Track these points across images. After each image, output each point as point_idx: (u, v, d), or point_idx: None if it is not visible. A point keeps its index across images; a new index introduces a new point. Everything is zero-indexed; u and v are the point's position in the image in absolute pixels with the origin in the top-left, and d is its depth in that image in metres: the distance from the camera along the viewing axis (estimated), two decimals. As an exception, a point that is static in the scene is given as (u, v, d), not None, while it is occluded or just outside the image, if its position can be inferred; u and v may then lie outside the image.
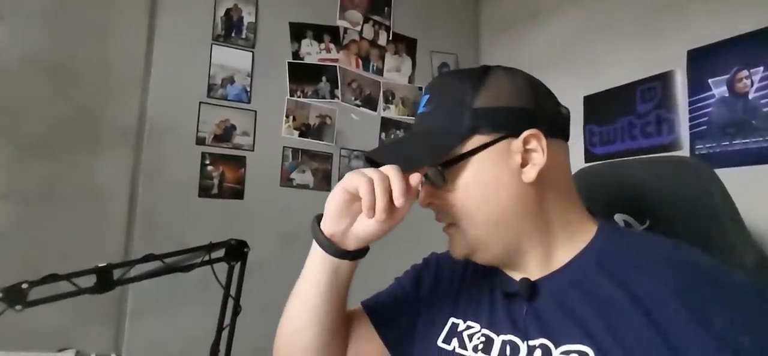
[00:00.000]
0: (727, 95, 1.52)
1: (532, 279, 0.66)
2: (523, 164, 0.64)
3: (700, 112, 1.58)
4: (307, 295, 0.73)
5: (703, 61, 1.58)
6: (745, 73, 1.48)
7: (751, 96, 1.46)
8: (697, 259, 0.60)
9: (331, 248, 0.67)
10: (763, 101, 1.44)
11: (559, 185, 0.67)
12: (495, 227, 0.65)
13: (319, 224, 0.68)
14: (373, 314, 0.82)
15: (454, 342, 0.70)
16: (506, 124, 0.64)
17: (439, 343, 0.71)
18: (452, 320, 0.73)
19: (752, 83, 1.46)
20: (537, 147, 0.64)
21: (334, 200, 0.66)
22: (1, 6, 1.59)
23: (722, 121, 1.52)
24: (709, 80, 1.56)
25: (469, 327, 0.70)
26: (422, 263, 0.87)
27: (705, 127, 1.56)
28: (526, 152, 0.64)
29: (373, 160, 0.70)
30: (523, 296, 0.65)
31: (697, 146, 1.58)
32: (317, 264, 0.70)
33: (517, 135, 0.64)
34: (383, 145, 0.70)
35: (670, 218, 0.79)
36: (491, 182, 0.64)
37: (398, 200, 0.62)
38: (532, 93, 0.66)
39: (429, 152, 0.65)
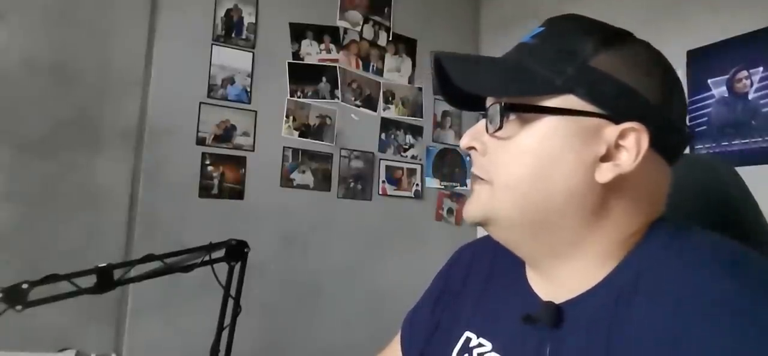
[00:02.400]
0: (726, 95, 1.52)
1: (557, 302, 0.55)
2: (605, 159, 0.51)
3: (700, 112, 1.58)
4: None
5: (703, 62, 1.58)
6: (744, 73, 1.48)
7: (750, 96, 1.47)
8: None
9: None
10: (762, 102, 1.44)
11: (637, 204, 0.53)
12: (531, 212, 0.53)
13: None
14: (405, 341, 0.78)
15: None
16: (612, 102, 0.51)
17: None
18: (467, 334, 0.64)
19: (752, 83, 1.46)
20: (632, 147, 0.50)
21: None
22: (1, 6, 1.59)
23: (722, 121, 1.53)
24: (709, 80, 1.56)
25: (480, 345, 0.61)
26: (446, 271, 0.77)
27: (705, 127, 1.56)
28: (615, 147, 0.51)
29: (440, 67, 0.59)
30: (546, 323, 0.54)
31: (697, 146, 1.58)
32: None
33: (616, 122, 0.51)
34: (453, 55, 0.58)
35: (688, 218, 0.76)
36: (555, 157, 0.51)
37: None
38: (664, 88, 0.53)
39: (505, 82, 0.54)
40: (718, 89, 1.54)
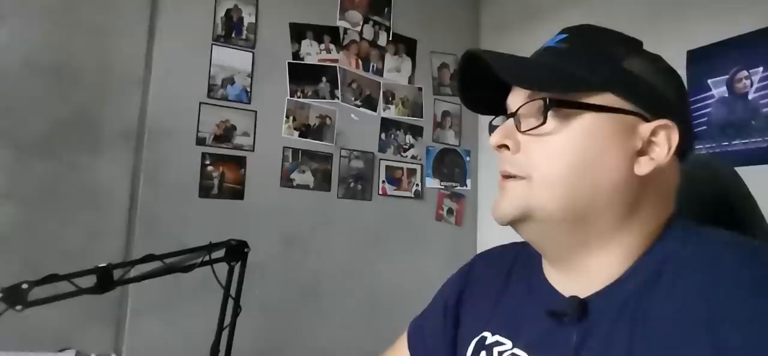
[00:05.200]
0: (726, 95, 1.52)
1: (583, 296, 0.56)
2: (641, 153, 0.55)
3: (700, 112, 1.58)
4: None
5: (703, 62, 1.58)
6: (744, 73, 1.48)
7: (750, 96, 1.47)
8: None
9: None
10: (762, 102, 1.44)
11: (662, 199, 0.57)
12: (574, 206, 0.54)
13: None
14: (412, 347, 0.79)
15: (482, 355, 0.63)
16: (645, 101, 0.55)
17: None
18: (483, 333, 0.65)
19: (752, 84, 1.46)
20: (663, 143, 0.54)
21: None
22: (1, 6, 1.59)
23: (721, 121, 1.53)
24: (709, 81, 1.56)
25: (498, 343, 0.62)
26: (462, 277, 0.77)
27: (704, 127, 1.56)
28: (648, 143, 0.55)
29: (470, 64, 0.60)
30: (573, 317, 0.55)
31: (697, 146, 1.58)
32: None
33: (648, 120, 0.55)
34: (498, 53, 0.59)
35: (688, 218, 0.76)
36: (600, 152, 0.54)
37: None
38: (678, 91, 0.58)
39: (551, 79, 0.55)
40: (718, 89, 1.54)
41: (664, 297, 0.50)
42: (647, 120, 0.55)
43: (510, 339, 0.61)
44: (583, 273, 0.57)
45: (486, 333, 0.64)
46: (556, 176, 0.54)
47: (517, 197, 0.56)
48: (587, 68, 0.55)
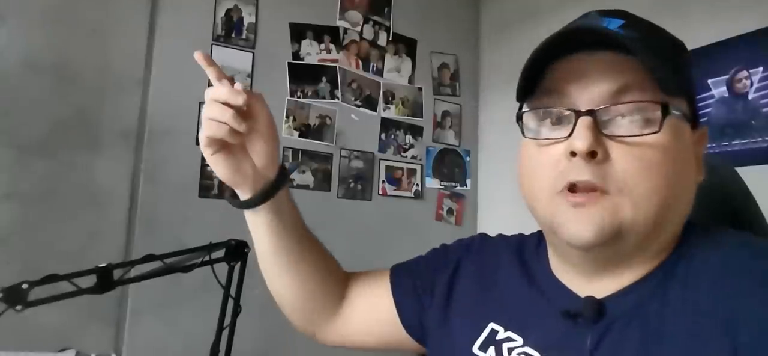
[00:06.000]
0: (726, 95, 1.52)
1: (599, 297, 0.52)
2: (696, 159, 0.53)
3: (700, 112, 1.58)
4: (261, 254, 0.73)
5: (703, 62, 1.58)
6: (744, 73, 1.48)
7: (750, 96, 1.47)
8: None
9: (239, 203, 0.66)
10: (762, 102, 1.44)
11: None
12: (658, 224, 0.49)
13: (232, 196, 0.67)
14: (395, 273, 0.78)
15: (491, 350, 0.59)
16: (694, 108, 0.54)
17: (475, 350, 0.60)
18: (492, 325, 0.61)
19: (752, 83, 1.46)
20: (702, 150, 0.55)
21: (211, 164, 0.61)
22: (1, 7, 1.59)
23: (722, 121, 1.53)
24: (709, 80, 1.56)
25: (509, 339, 0.58)
26: (463, 248, 0.73)
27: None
28: (695, 148, 0.53)
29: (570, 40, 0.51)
30: (588, 318, 0.51)
31: (697, 146, 1.58)
32: (250, 225, 0.70)
33: (694, 127, 0.54)
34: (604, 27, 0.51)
35: (688, 217, 0.75)
36: (684, 164, 0.50)
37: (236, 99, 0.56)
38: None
39: (673, 72, 0.50)
40: (718, 89, 1.54)
41: (678, 298, 0.48)
42: (694, 128, 0.53)
43: (520, 336, 0.57)
44: (608, 277, 0.53)
45: (496, 327, 0.60)
46: (654, 190, 0.48)
47: (607, 216, 0.48)
48: (670, 64, 0.50)
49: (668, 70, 0.49)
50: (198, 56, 0.60)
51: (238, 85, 0.59)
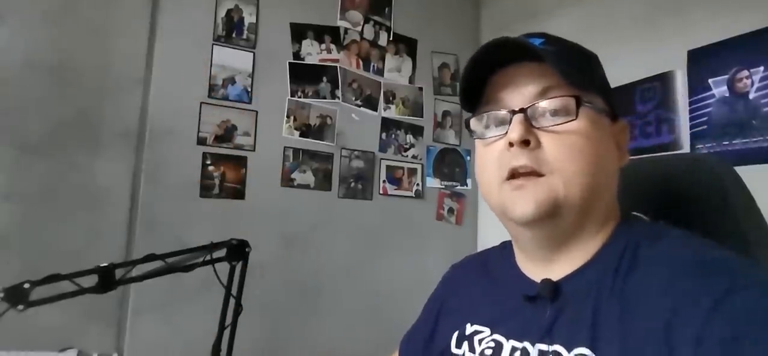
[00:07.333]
0: (727, 94, 1.52)
1: (555, 279, 0.60)
2: (618, 147, 0.64)
3: (700, 112, 1.58)
4: None
5: (704, 61, 1.58)
6: (745, 73, 1.48)
7: (751, 96, 1.47)
8: (738, 265, 0.52)
9: None
10: (763, 101, 1.44)
11: (616, 189, 0.65)
12: (590, 200, 0.59)
13: None
14: (403, 345, 0.84)
15: (465, 345, 0.66)
16: (612, 103, 0.64)
17: (453, 349, 0.68)
18: (466, 325, 0.69)
19: (752, 83, 1.46)
20: (624, 142, 0.65)
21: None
22: (1, 6, 1.59)
23: (722, 121, 1.53)
24: (710, 80, 1.56)
25: (477, 332, 0.66)
26: (441, 288, 0.83)
27: (705, 127, 1.57)
28: (617, 141, 0.64)
29: (495, 50, 0.61)
30: (546, 298, 0.59)
31: (697, 146, 1.58)
32: None
33: (615, 121, 0.64)
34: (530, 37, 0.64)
35: (685, 215, 0.76)
36: (606, 145, 0.61)
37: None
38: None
39: (582, 75, 0.61)
40: (719, 89, 1.54)
41: (627, 279, 0.55)
42: (613, 121, 0.64)
43: (488, 327, 0.65)
44: (558, 262, 0.62)
45: (468, 326, 0.68)
46: (580, 170, 0.58)
47: (545, 192, 0.58)
48: (584, 68, 0.62)
49: (577, 71, 0.59)
50: None
51: None
